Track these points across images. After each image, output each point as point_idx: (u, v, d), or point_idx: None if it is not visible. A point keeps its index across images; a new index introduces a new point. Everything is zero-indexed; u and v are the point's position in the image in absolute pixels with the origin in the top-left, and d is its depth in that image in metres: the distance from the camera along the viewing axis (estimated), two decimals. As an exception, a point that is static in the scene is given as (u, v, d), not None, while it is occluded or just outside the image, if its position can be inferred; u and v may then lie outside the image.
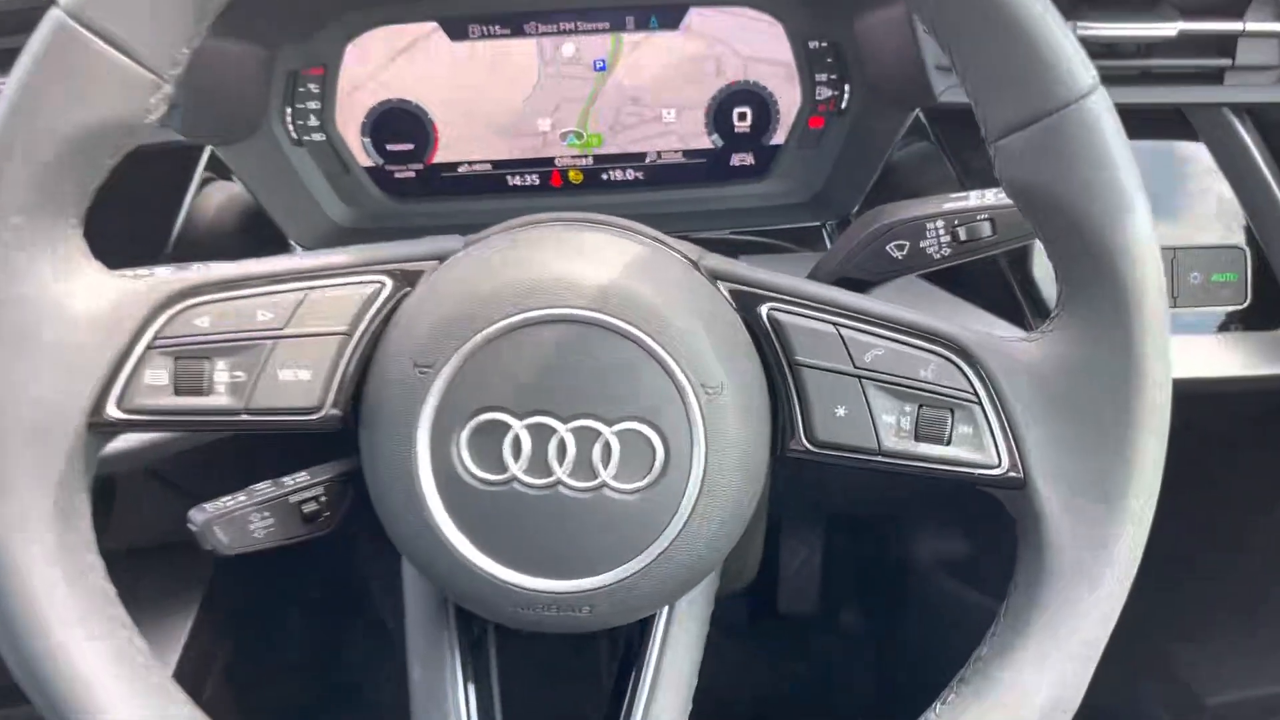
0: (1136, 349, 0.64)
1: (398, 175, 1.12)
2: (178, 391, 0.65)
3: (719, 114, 1.11)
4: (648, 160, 1.13)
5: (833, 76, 1.09)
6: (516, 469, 0.64)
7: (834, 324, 0.70)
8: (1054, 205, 0.63)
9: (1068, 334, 0.67)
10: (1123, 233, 0.62)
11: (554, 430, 0.64)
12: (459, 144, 1.11)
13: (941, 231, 0.82)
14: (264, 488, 0.81)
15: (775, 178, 1.13)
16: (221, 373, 0.65)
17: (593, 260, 0.66)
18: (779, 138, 1.12)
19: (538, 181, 1.13)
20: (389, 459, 0.65)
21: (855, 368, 0.69)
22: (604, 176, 1.13)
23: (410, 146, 1.10)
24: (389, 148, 1.10)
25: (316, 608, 1.71)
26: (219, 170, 1.03)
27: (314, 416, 0.67)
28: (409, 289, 0.69)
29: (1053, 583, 0.66)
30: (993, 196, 0.82)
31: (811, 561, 1.78)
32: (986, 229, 0.81)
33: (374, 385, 0.67)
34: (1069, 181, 0.62)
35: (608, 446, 0.65)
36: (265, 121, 1.05)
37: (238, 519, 0.79)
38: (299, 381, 0.66)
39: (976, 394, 0.67)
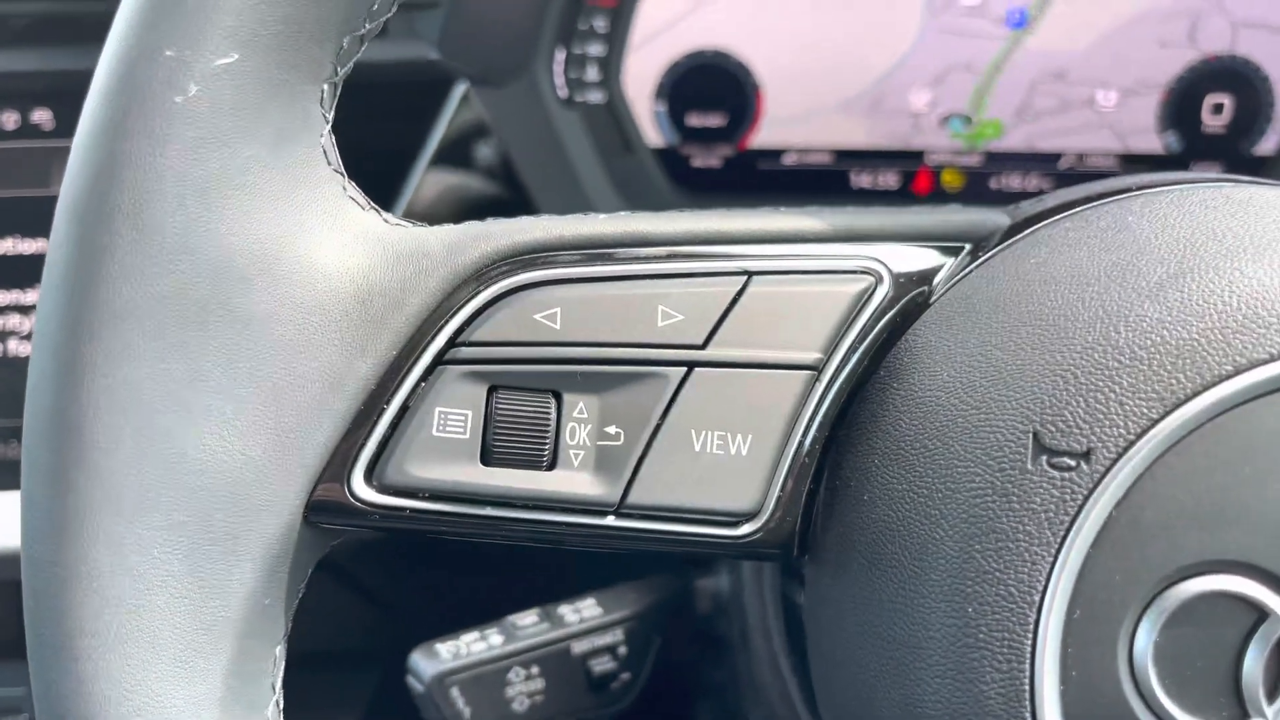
0: None
1: (696, 163, 0.78)
2: (490, 458, 0.32)
3: (1183, 102, 0.75)
4: (1061, 165, 0.77)
5: (1373, 55, 0.72)
6: (1273, 711, 0.28)
7: None
8: None
9: None
10: None
11: None
12: (790, 122, 0.77)
13: None
14: (530, 624, 0.47)
15: (1257, 203, 0.76)
16: (581, 425, 0.32)
17: None
18: (1269, 144, 0.75)
19: (895, 184, 0.78)
20: (941, 647, 0.29)
21: None
22: (992, 184, 0.78)
23: (721, 121, 0.77)
24: (690, 121, 0.77)
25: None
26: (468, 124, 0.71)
27: (741, 531, 0.32)
28: (924, 291, 0.35)
29: None
30: None
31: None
32: None
33: (887, 481, 0.32)
34: None
35: None
36: (532, 65, 0.73)
37: (489, 678, 0.45)
38: (728, 459, 0.32)
39: None
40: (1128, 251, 0.31)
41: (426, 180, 0.69)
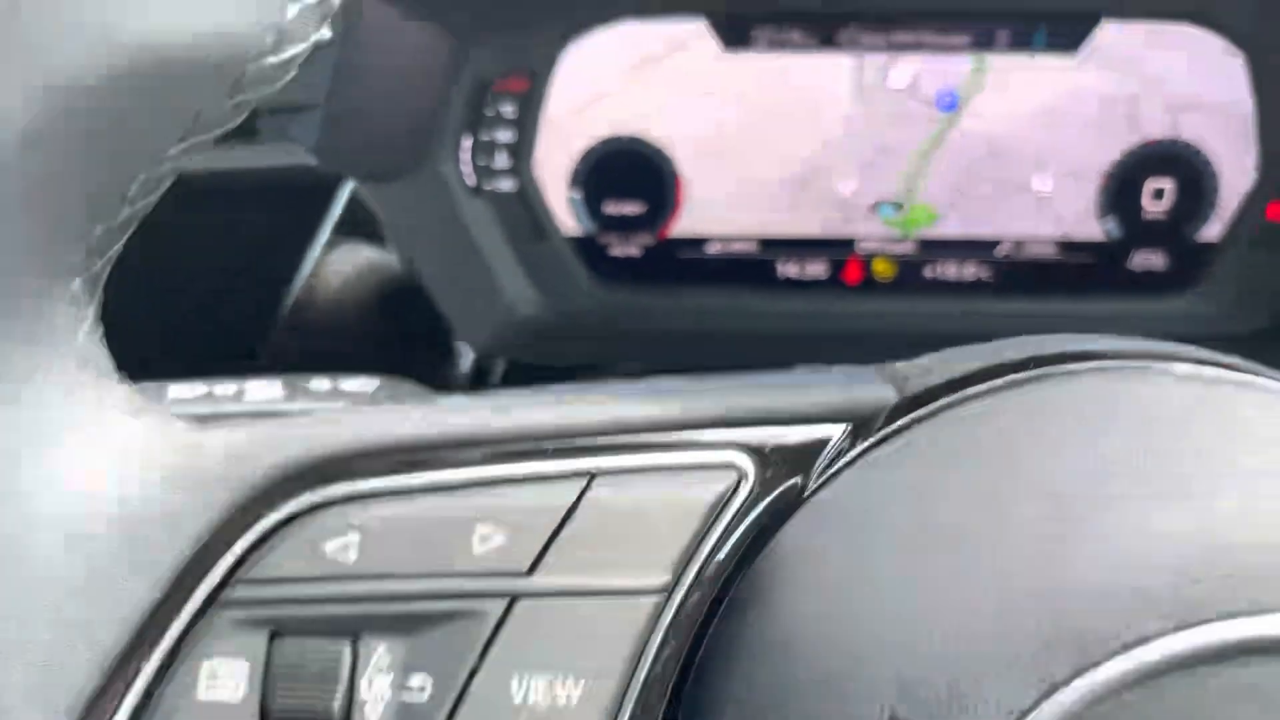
0: None
1: (615, 252, 0.74)
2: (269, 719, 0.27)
3: (1123, 187, 0.71)
4: (998, 252, 0.73)
5: (1318, 139, 0.69)
6: None
7: None
8: None
9: None
10: None
11: None
12: (711, 208, 0.73)
13: None
14: None
15: (1202, 292, 0.73)
16: (381, 675, 0.27)
17: None
18: (1213, 231, 0.72)
19: (824, 274, 0.74)
20: None
21: None
22: (926, 273, 0.74)
23: (640, 208, 0.73)
24: (607, 209, 0.73)
25: None
26: (356, 223, 0.67)
27: None
28: (795, 485, 0.30)
29: None
30: None
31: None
32: None
33: None
34: None
35: None
36: (434, 154, 0.69)
37: None
38: (553, 712, 0.27)
39: None
40: (1019, 478, 0.27)
41: (319, 282, 0.65)
